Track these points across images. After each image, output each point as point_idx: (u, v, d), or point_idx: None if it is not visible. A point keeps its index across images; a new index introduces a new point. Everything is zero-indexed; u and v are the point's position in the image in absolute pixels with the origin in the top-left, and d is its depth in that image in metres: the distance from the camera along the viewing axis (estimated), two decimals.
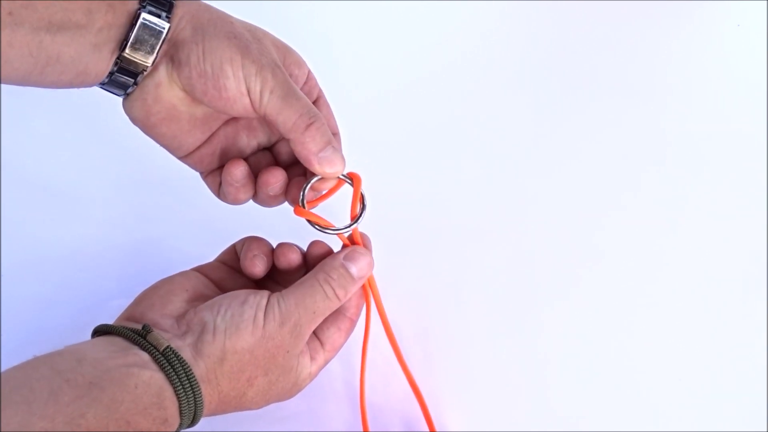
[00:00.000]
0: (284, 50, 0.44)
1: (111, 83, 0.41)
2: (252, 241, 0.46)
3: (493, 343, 0.53)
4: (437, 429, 0.49)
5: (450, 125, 0.63)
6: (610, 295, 0.55)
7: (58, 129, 0.61)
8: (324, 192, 0.45)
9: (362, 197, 0.44)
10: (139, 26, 0.39)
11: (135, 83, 0.41)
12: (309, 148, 0.41)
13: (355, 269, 0.43)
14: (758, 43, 0.65)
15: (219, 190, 0.46)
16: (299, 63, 0.45)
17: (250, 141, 0.46)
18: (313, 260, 0.45)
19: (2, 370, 0.53)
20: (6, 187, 0.58)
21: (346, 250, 0.44)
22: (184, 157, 0.45)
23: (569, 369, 0.53)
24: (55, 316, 0.55)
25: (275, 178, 0.44)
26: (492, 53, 0.66)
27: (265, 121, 0.44)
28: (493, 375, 0.52)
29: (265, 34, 0.43)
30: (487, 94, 0.64)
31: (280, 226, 0.57)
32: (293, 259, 0.45)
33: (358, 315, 0.46)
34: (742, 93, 0.63)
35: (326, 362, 0.45)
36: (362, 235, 0.45)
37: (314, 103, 0.45)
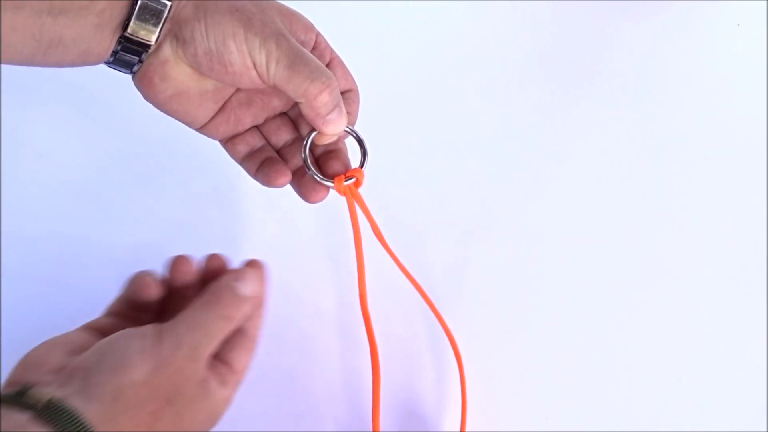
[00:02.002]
0: (290, 17, 0.44)
1: (116, 62, 0.42)
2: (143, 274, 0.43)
3: (493, 344, 0.53)
4: (436, 429, 0.49)
5: (449, 125, 0.63)
6: (610, 294, 0.55)
7: (59, 129, 0.61)
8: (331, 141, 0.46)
9: (364, 148, 0.46)
10: (140, 6, 0.40)
11: (140, 61, 0.41)
12: (318, 112, 0.42)
13: (244, 288, 0.41)
14: (758, 43, 0.65)
15: (238, 157, 0.47)
16: (307, 27, 0.45)
17: (264, 105, 0.46)
18: (210, 274, 0.43)
19: (2, 369, 0.53)
20: (6, 187, 0.58)
21: (236, 270, 0.42)
22: (199, 129, 0.46)
23: (569, 369, 0.52)
24: (55, 316, 0.55)
25: (280, 182, 0.45)
26: (495, 52, 0.66)
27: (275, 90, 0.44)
28: (492, 375, 0.52)
29: (270, 3, 0.43)
30: (488, 93, 0.64)
31: (282, 229, 0.58)
32: (187, 271, 0.43)
33: (259, 332, 0.43)
34: (742, 93, 0.63)
35: (239, 383, 0.41)
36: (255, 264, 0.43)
37: (327, 66, 0.45)
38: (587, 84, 0.64)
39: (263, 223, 0.57)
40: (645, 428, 0.50)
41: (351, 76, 0.47)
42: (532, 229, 0.58)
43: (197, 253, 0.56)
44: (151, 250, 0.57)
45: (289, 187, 0.59)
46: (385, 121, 0.62)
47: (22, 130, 0.61)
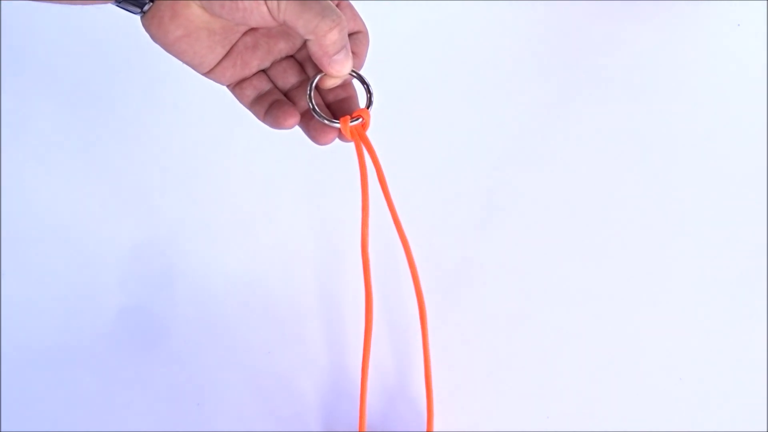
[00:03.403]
0: None
1: (127, 0, 0.42)
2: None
3: (493, 343, 0.53)
4: (432, 429, 0.49)
5: (449, 125, 0.63)
6: (610, 294, 0.55)
7: (59, 128, 0.61)
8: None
9: (369, 90, 0.45)
10: None
11: (151, 0, 0.42)
12: (327, 51, 0.42)
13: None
14: (758, 43, 0.65)
15: (247, 101, 0.47)
16: None
17: (270, 48, 0.46)
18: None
19: (2, 370, 0.54)
20: (6, 188, 0.58)
21: None
22: (207, 73, 0.46)
23: (569, 368, 0.53)
24: (55, 316, 0.55)
25: (289, 124, 0.45)
26: (495, 52, 0.66)
27: (285, 28, 0.44)
28: (491, 375, 0.52)
29: None
30: (487, 93, 0.64)
31: (281, 230, 0.58)
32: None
33: None
34: (742, 93, 0.63)
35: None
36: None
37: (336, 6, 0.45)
38: (586, 84, 0.64)
39: (263, 223, 0.57)
40: (645, 428, 0.50)
41: (360, 18, 0.47)
42: (532, 227, 0.58)
43: (200, 252, 0.56)
44: (151, 250, 0.57)
45: (288, 191, 0.59)
46: (387, 122, 0.62)
47: (22, 130, 0.61)
